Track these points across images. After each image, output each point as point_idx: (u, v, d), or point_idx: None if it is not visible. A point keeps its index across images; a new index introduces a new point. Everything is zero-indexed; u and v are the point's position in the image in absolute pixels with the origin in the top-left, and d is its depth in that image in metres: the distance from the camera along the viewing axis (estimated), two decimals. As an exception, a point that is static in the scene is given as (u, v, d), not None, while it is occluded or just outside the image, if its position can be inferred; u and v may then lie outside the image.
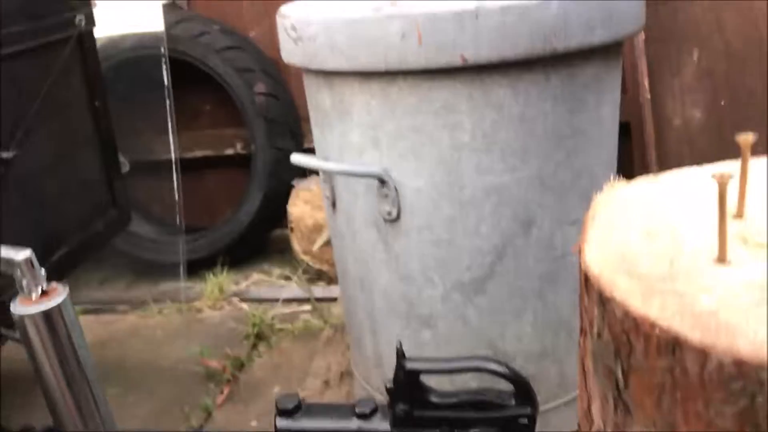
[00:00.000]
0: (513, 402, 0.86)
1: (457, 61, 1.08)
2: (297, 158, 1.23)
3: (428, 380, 0.89)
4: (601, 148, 1.24)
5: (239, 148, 2.23)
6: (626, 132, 1.82)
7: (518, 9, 1.05)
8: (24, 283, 0.82)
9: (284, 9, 1.26)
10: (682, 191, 0.56)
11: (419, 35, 1.07)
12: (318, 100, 1.27)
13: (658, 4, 1.78)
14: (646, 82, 1.66)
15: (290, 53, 1.25)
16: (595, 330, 0.45)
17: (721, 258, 0.44)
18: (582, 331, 0.50)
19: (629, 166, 1.74)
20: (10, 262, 0.81)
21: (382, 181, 1.19)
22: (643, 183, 0.58)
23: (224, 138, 2.24)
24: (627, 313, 0.41)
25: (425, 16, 1.07)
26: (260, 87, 2.00)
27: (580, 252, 0.49)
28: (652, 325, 0.40)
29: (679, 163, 1.72)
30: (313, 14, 1.18)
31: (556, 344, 1.27)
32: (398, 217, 1.21)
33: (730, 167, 0.51)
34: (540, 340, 1.26)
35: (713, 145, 1.75)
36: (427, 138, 1.16)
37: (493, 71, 1.10)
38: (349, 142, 1.22)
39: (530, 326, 1.25)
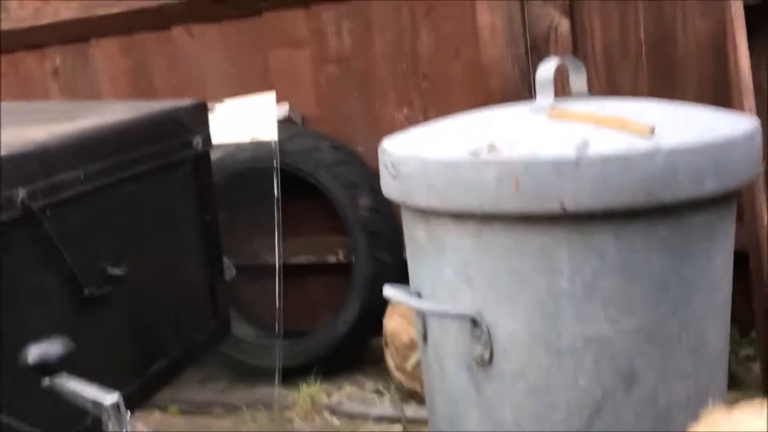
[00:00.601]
0: None
1: (556, 209, 1.05)
2: (389, 292, 1.22)
3: None
4: (712, 299, 1.16)
5: (341, 256, 2.26)
6: (742, 263, 1.70)
7: (621, 159, 1.02)
8: (110, 426, 0.84)
9: (385, 144, 1.28)
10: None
11: (516, 182, 1.05)
12: (413, 232, 1.27)
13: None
14: (765, 216, 1.56)
15: (389, 187, 1.26)
16: None
17: None
18: None
19: (744, 303, 1.61)
20: (98, 405, 0.83)
21: (475, 322, 1.16)
22: (742, 412, 0.52)
23: (328, 245, 2.28)
24: None
25: (523, 164, 1.05)
26: (364, 201, 2.03)
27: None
28: None
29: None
30: (412, 153, 1.19)
31: None
32: (491, 360, 1.16)
33: None
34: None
35: None
36: (522, 281, 1.12)
37: (595, 219, 1.07)
38: (442, 278, 1.20)
39: (629, 488, 1.16)
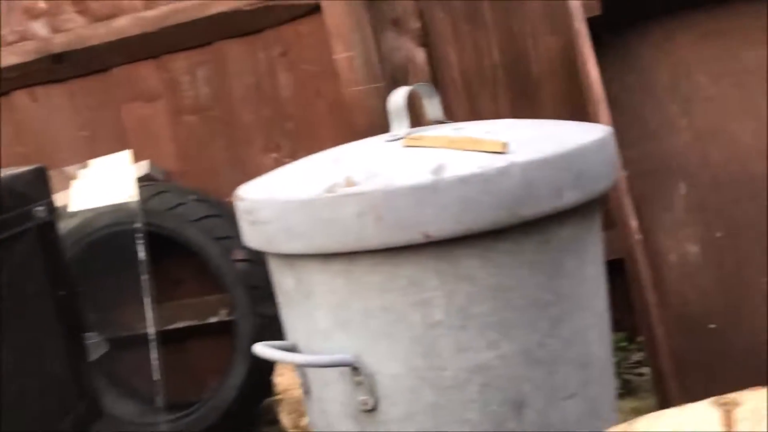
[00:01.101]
0: None
1: (419, 238, 1.00)
2: (260, 350, 1.13)
3: None
4: (590, 310, 1.14)
5: (223, 315, 2.14)
6: (620, 270, 1.72)
7: (479, 179, 0.99)
8: None
9: (241, 191, 1.20)
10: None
11: (377, 214, 1.00)
12: (280, 281, 1.19)
13: (641, 141, 1.73)
14: (633, 222, 1.58)
15: (249, 236, 1.18)
16: None
17: None
18: None
19: (628, 310, 1.62)
20: None
21: (355, 368, 1.09)
22: (648, 422, 0.48)
23: (207, 305, 2.16)
24: None
25: (381, 193, 1.00)
26: (238, 254, 1.93)
27: None
28: None
29: (683, 302, 1.61)
30: (267, 196, 1.12)
31: None
32: (376, 406, 1.09)
33: (708, 423, 0.41)
34: None
35: (715, 281, 1.65)
36: (397, 318, 1.06)
37: (461, 243, 1.02)
38: (315, 326, 1.13)
39: None
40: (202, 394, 2.11)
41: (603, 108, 1.59)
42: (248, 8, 1.95)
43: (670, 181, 1.71)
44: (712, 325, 1.64)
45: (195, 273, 2.16)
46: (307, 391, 1.22)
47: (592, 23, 1.64)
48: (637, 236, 1.58)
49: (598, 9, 1.64)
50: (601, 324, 1.18)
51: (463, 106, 1.95)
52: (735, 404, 0.36)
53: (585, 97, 1.69)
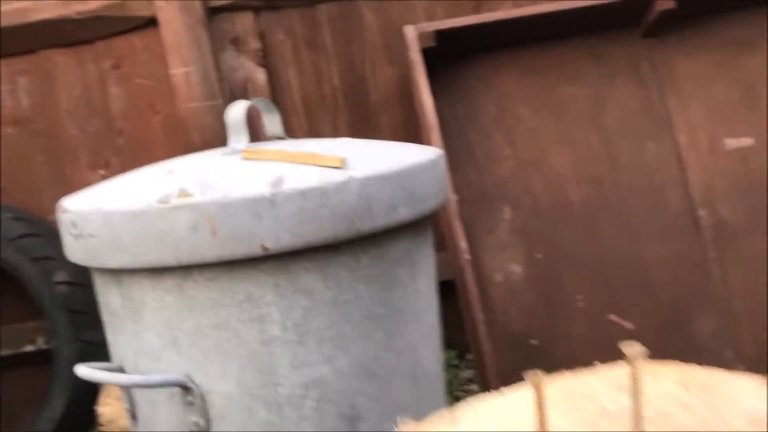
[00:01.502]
0: None
1: (257, 251, 0.99)
2: (83, 371, 1.06)
3: None
4: (423, 325, 1.18)
5: (41, 342, 1.98)
6: (452, 290, 1.79)
7: (317, 193, 1.00)
8: None
9: (65, 202, 1.13)
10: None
11: (212, 227, 0.98)
12: (106, 298, 1.12)
13: (470, 167, 1.83)
14: (463, 243, 1.66)
15: (72, 250, 1.11)
16: None
17: None
18: None
19: (458, 326, 1.69)
20: None
21: (186, 388, 1.05)
22: (439, 424, 0.50)
23: (23, 333, 1.99)
24: None
25: (217, 206, 0.98)
26: (60, 276, 1.80)
27: None
28: None
29: (507, 319, 1.69)
30: (94, 207, 1.06)
31: None
32: (207, 427, 1.05)
33: (520, 395, 0.44)
34: None
35: (536, 299, 1.76)
36: (232, 334, 1.04)
37: (299, 257, 1.02)
38: (144, 345, 1.07)
39: None
40: (16, 429, 1.94)
41: (435, 134, 1.66)
42: (77, 17, 1.85)
43: (495, 206, 1.82)
44: (534, 341, 1.75)
45: (11, 297, 1.98)
46: (133, 416, 1.15)
47: (427, 54, 1.71)
48: (467, 257, 1.65)
49: (432, 41, 1.72)
50: (432, 338, 1.22)
51: (303, 129, 1.96)
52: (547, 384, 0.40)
53: (419, 123, 1.76)
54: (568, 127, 1.83)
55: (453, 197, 1.70)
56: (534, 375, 0.41)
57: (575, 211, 1.79)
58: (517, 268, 1.79)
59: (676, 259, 1.75)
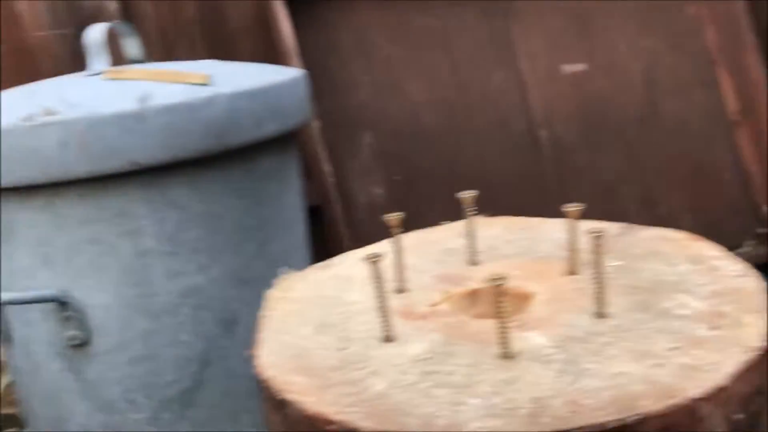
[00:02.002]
0: None
1: (127, 166, 1.02)
2: (-49, 293, 1.06)
3: None
4: (292, 235, 1.26)
5: None
6: (318, 215, 1.88)
7: (185, 108, 1.04)
8: None
9: None
10: (351, 275, 0.57)
11: (81, 143, 1.00)
12: (-27, 223, 1.12)
13: (331, 95, 1.90)
14: (327, 167, 1.74)
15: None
16: (280, 435, 0.43)
17: (388, 338, 0.45)
18: (271, 437, 0.47)
19: (324, 247, 1.79)
20: None
21: (62, 304, 1.07)
22: (315, 272, 0.58)
23: None
24: (304, 413, 0.39)
25: (86, 123, 1.00)
26: None
27: (254, 357, 0.46)
28: (329, 422, 0.38)
29: (369, 238, 1.81)
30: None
31: (278, 441, 1.23)
32: (87, 341, 1.09)
33: (384, 246, 0.53)
34: (261, 441, 1.21)
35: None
36: (107, 249, 1.07)
37: (170, 171, 1.07)
38: (17, 264, 1.09)
39: (251, 427, 1.20)
40: None
41: (295, 61, 1.72)
42: None
43: (356, 131, 1.91)
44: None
45: None
46: (7, 339, 1.17)
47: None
48: (331, 179, 1.74)
49: (289, -29, 1.76)
50: (301, 248, 1.31)
51: (161, 59, 1.95)
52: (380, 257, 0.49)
53: (278, 52, 1.80)
54: (421, 55, 1.93)
55: (316, 123, 1.77)
56: (393, 216, 0.51)
57: (429, 134, 1.92)
58: (378, 190, 1.90)
59: (519, 174, 1.92)
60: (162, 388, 1.12)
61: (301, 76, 1.25)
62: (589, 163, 1.93)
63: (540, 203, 1.93)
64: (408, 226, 1.94)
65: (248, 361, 1.17)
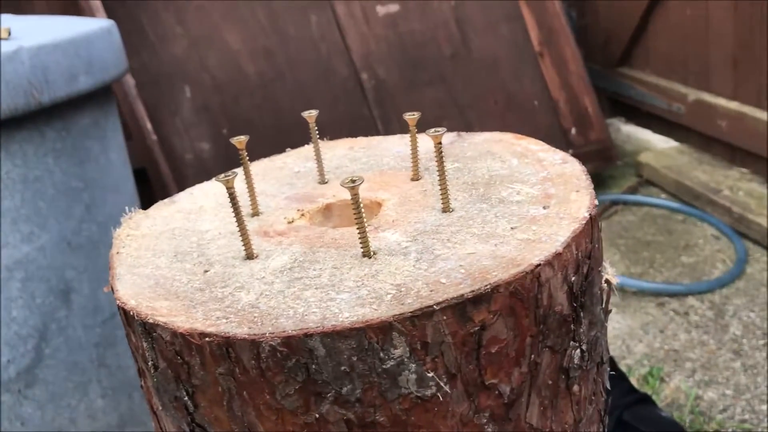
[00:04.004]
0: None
1: (-76, 133, 0.93)
2: None
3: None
4: (121, 195, 1.21)
5: None
6: (145, 178, 1.81)
7: (-16, 65, 0.95)
8: None
9: None
10: (199, 206, 0.56)
11: None
12: None
13: (143, 50, 1.81)
14: (148, 125, 1.67)
15: None
16: (150, 364, 0.42)
17: (249, 255, 0.45)
18: (140, 372, 0.47)
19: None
20: None
21: None
22: (161, 208, 0.57)
23: None
24: (174, 334, 0.39)
25: None
26: None
27: (113, 290, 0.45)
28: (202, 335, 0.38)
29: (197, 176, 1.76)
30: None
31: (132, 407, 1.20)
32: None
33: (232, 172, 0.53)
34: (115, 409, 1.17)
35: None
36: None
37: (-25, 136, 0.98)
38: None
39: (100, 398, 1.16)
40: None
41: (100, 14, 1.62)
42: None
43: (175, 86, 1.84)
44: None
45: None
46: None
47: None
48: (154, 137, 1.68)
49: None
50: (132, 207, 1.25)
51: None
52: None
53: (80, 8, 1.69)
54: (236, 3, 1.89)
55: (131, 81, 1.69)
56: (236, 139, 0.50)
57: (252, 83, 1.89)
58: (205, 146, 1.85)
59: (346, 120, 1.96)
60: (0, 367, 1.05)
61: (112, 26, 1.18)
62: (409, 102, 2.00)
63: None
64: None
65: (89, 329, 1.12)
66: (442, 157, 0.48)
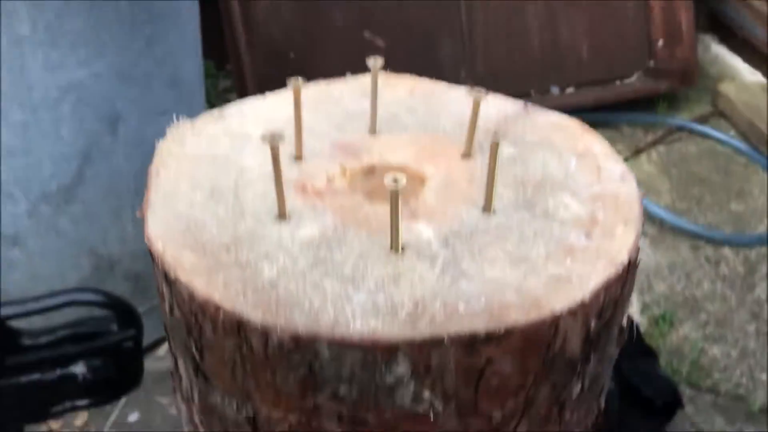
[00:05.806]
0: (115, 327, 0.82)
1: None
2: None
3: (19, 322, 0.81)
4: (183, 32, 1.18)
5: None
6: (214, 4, 1.75)
7: None
8: None
9: None
10: (245, 133, 0.55)
11: None
12: None
13: None
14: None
15: None
16: (167, 306, 0.44)
17: (282, 214, 0.45)
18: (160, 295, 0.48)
19: (219, 44, 1.70)
20: None
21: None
22: (209, 122, 0.56)
23: None
24: (193, 296, 0.40)
25: None
26: None
27: (143, 220, 0.46)
28: (217, 308, 0.39)
29: (268, 35, 1.73)
30: None
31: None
32: (-46, 127, 1.02)
33: (283, 106, 0.51)
34: (143, 239, 1.22)
35: (297, 16, 1.78)
36: (-24, 34, 0.97)
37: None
38: None
39: (131, 226, 1.20)
40: None
41: None
42: None
43: None
44: (292, 54, 1.82)
45: None
46: None
47: None
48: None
49: None
50: (193, 47, 1.24)
51: None
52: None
53: None
54: None
55: None
56: (294, 80, 0.49)
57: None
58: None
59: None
60: (41, 182, 1.09)
61: None
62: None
63: (446, 21, 1.88)
64: (306, 23, 1.85)
65: (131, 159, 1.15)
66: (495, 157, 0.46)
